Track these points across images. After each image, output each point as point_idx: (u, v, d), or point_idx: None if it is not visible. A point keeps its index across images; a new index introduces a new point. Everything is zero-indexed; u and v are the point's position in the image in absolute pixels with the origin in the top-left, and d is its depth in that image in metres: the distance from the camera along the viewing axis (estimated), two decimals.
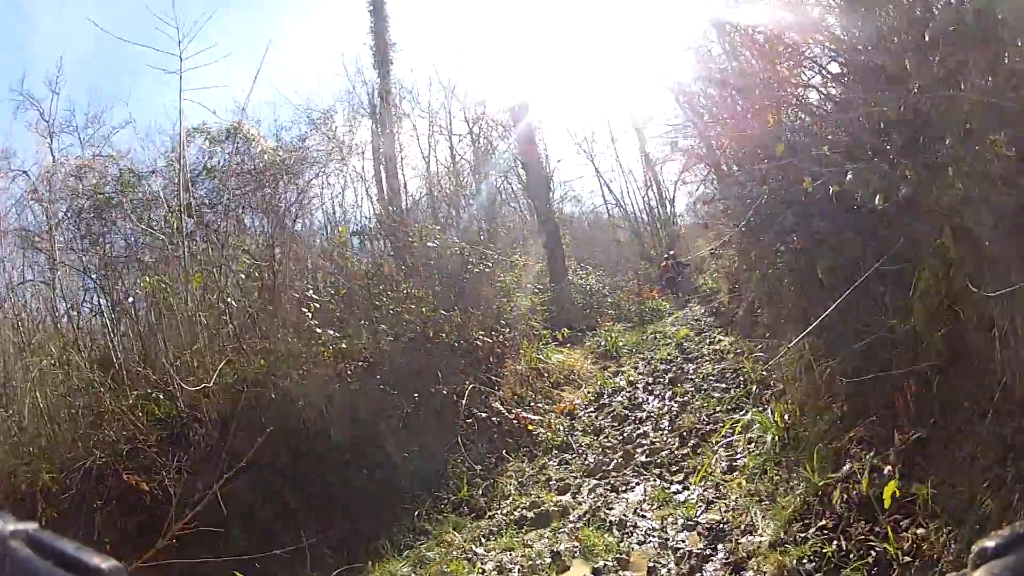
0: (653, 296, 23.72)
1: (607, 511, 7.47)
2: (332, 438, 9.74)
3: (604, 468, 9.13)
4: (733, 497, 6.72)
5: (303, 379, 10.19)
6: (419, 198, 21.89)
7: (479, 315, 13.35)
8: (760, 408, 8.80)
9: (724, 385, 10.77)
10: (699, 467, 7.82)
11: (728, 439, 8.37)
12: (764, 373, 9.63)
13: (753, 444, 7.62)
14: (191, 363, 10.18)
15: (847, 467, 5.68)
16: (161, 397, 9.53)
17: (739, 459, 7.60)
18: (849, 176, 5.38)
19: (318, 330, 10.16)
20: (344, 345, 10.45)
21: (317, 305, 10.63)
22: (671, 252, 29.08)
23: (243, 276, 10.99)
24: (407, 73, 32.31)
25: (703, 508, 6.83)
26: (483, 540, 7.56)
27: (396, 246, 14.55)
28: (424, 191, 22.16)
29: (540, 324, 15.69)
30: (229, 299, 10.47)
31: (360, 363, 11.35)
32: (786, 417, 7.16)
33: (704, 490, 7.23)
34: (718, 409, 9.67)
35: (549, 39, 42.53)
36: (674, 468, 8.26)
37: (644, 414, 11.23)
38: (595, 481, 8.80)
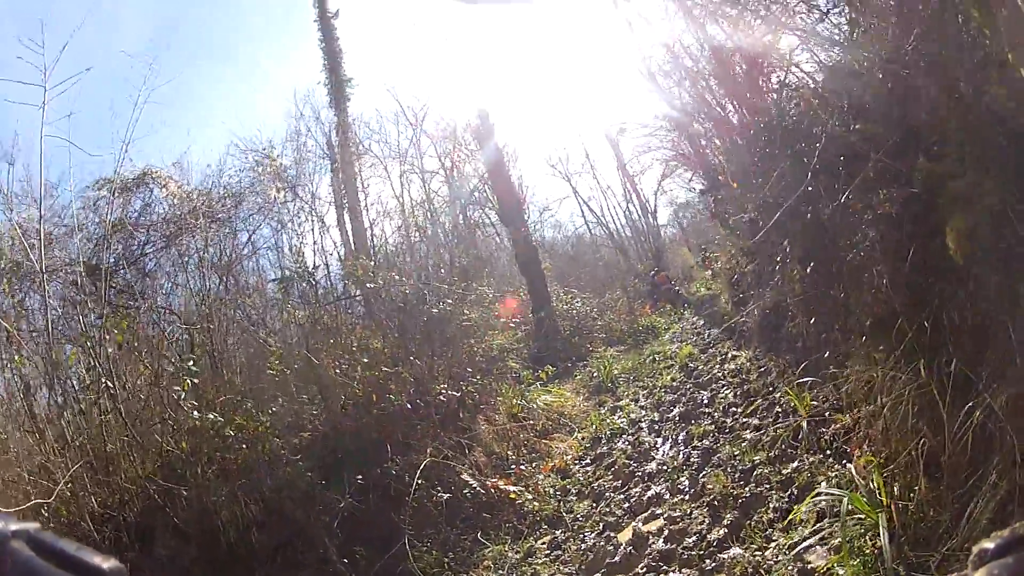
0: (646, 312, 20.90)
1: None
2: (255, 542, 7.03)
3: (609, 561, 6.11)
4: None
5: (218, 470, 7.44)
6: (394, 241, 19.31)
7: (443, 364, 10.39)
8: (822, 458, 5.80)
9: (756, 421, 7.72)
10: (751, 570, 4.76)
11: (783, 513, 5.36)
12: (815, 404, 6.62)
13: (836, 527, 4.56)
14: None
15: None
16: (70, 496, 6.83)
17: (814, 552, 4.55)
18: None
19: (196, 414, 7.23)
20: (245, 422, 7.54)
21: (195, 381, 7.68)
22: (656, 267, 26.96)
23: (118, 347, 8.00)
24: (372, 112, 30.34)
25: None
26: None
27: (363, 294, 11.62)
28: (400, 233, 19.74)
29: (520, 363, 12.69)
30: (103, 379, 7.51)
31: (304, 436, 8.51)
32: (896, 490, 4.12)
33: None
34: (756, 460, 6.61)
35: (513, 57, 40.86)
36: (709, 566, 5.19)
37: (654, 466, 8.21)
38: None
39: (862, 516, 4.33)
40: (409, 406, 8.98)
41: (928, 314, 4.23)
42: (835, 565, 4.19)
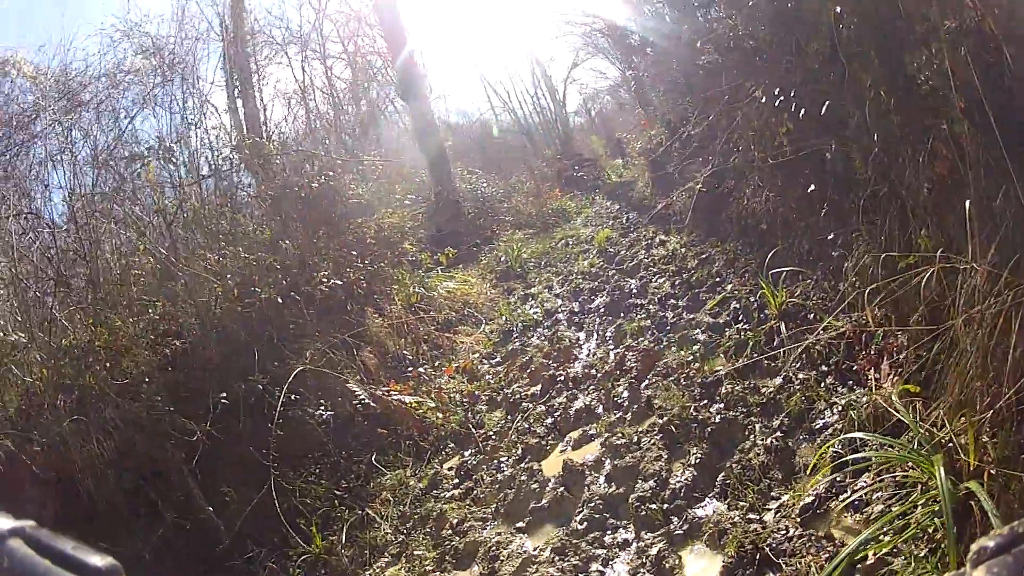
0: (555, 196, 19.22)
1: None
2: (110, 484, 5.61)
3: (535, 505, 4.59)
4: None
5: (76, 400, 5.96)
6: (290, 127, 17.22)
7: (326, 247, 8.50)
8: (816, 376, 4.30)
9: (708, 319, 6.21)
10: (748, 545, 3.23)
11: (779, 455, 3.85)
12: (795, 302, 5.11)
13: (865, 485, 3.09)
14: None
15: None
16: None
17: (840, 524, 3.09)
18: None
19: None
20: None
21: None
22: (561, 153, 25.57)
23: None
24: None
25: None
26: None
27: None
28: (292, 114, 17.61)
29: (418, 245, 10.93)
30: None
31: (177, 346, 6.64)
32: (990, 447, 2.61)
33: None
34: (719, 371, 5.11)
35: None
36: (679, 528, 3.66)
37: (579, 369, 6.76)
38: (526, 540, 4.29)
39: (918, 478, 2.86)
40: (280, 300, 7.13)
41: None
42: (885, 552, 2.70)
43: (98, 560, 0.59)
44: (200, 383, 6.42)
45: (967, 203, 2.90)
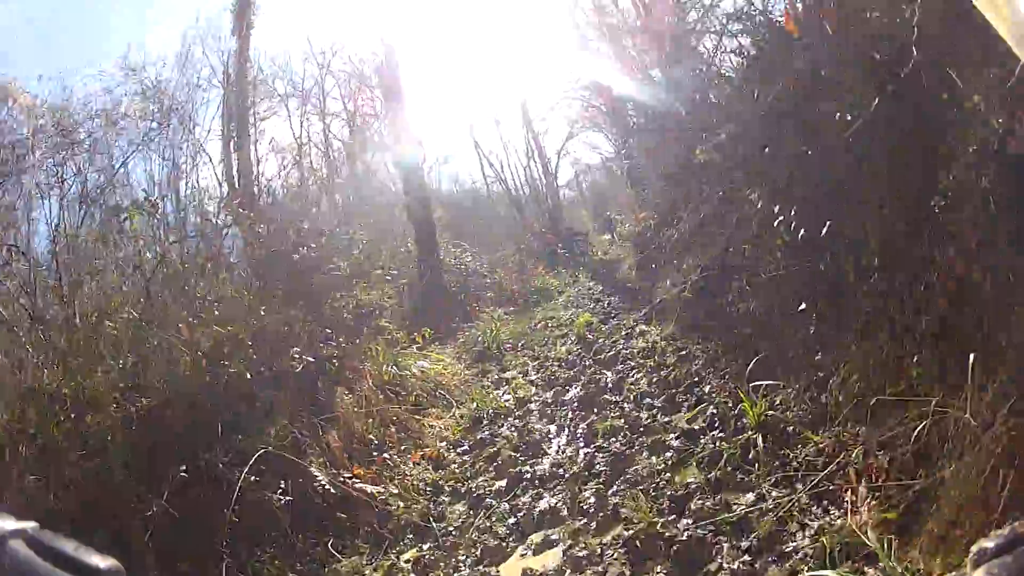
0: (539, 272, 19.21)
1: None
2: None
3: None
4: None
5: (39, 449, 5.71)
6: (282, 182, 17.26)
7: (302, 320, 8.35)
8: (789, 494, 4.13)
9: (685, 424, 6.05)
10: None
11: None
12: (772, 413, 4.97)
13: None
14: None
15: None
16: None
17: None
18: None
19: None
20: None
21: None
22: (548, 229, 25.73)
23: None
24: (279, 49, 27.85)
25: None
26: None
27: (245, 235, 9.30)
28: (283, 172, 17.78)
29: (396, 321, 10.78)
30: None
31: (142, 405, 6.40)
32: None
33: None
34: (690, 482, 4.95)
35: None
36: None
37: (547, 466, 6.54)
38: None
39: None
40: (249, 376, 6.94)
41: None
42: None
43: (99, 561, 0.60)
44: (163, 449, 6.21)
45: (971, 357, 2.80)
